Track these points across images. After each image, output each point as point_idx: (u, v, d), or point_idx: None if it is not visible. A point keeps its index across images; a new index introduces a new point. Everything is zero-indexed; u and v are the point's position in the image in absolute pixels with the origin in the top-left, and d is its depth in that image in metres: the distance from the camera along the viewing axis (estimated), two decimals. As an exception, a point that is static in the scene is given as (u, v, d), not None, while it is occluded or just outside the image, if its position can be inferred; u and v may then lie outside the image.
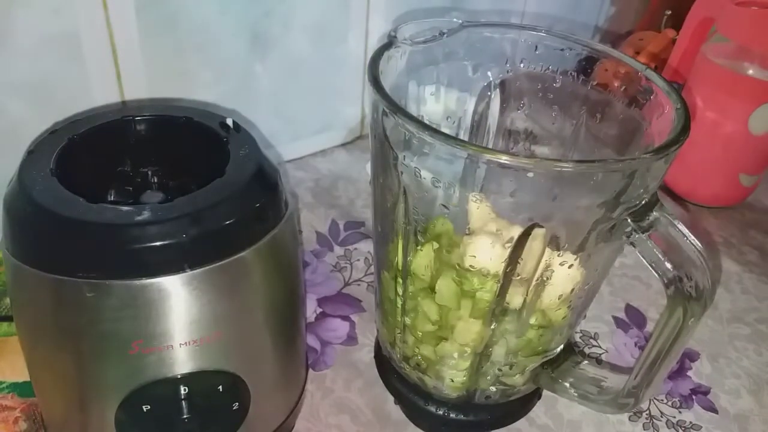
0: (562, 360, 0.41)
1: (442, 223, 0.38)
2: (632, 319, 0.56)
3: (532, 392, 0.44)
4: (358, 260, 0.59)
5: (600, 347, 0.54)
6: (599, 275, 0.39)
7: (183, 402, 0.35)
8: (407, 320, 0.40)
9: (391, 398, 0.46)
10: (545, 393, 0.46)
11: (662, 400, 0.50)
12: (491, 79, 0.43)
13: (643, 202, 0.33)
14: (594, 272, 0.38)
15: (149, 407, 0.34)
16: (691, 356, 0.53)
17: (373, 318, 0.53)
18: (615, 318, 0.56)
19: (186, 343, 0.33)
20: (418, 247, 0.38)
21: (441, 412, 0.43)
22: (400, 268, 0.38)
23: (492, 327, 0.37)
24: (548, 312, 0.38)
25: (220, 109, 0.41)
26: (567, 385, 0.41)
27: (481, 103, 0.44)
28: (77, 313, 0.32)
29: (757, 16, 0.62)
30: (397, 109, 0.32)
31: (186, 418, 0.35)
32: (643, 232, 0.33)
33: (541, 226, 0.33)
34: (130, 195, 0.40)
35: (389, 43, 0.38)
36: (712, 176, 0.69)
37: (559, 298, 0.37)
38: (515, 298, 0.36)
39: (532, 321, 0.38)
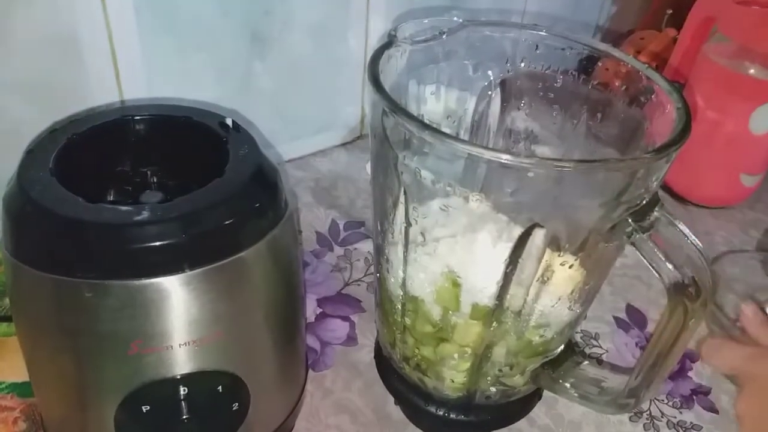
0: (562, 360, 0.41)
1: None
2: (633, 319, 0.56)
3: (532, 393, 0.44)
4: (358, 260, 0.59)
5: (601, 347, 0.53)
6: (600, 275, 0.39)
7: (182, 402, 0.35)
8: (407, 321, 0.40)
9: (391, 399, 0.46)
10: (545, 393, 0.46)
11: (663, 401, 0.50)
12: (492, 78, 0.43)
13: (644, 202, 0.33)
14: (594, 272, 0.37)
15: (149, 408, 0.34)
16: (691, 356, 0.53)
17: (373, 318, 0.53)
18: (616, 318, 0.56)
19: (185, 343, 0.33)
20: (418, 247, 0.38)
21: (441, 413, 0.43)
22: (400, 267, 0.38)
23: (492, 328, 0.37)
24: (548, 312, 0.38)
25: (219, 108, 0.41)
26: (567, 385, 0.41)
27: (481, 102, 0.44)
28: (76, 313, 0.32)
29: (758, 16, 0.62)
30: (398, 108, 0.32)
31: (185, 418, 0.35)
32: (643, 232, 0.33)
33: (542, 226, 0.33)
34: (129, 195, 0.40)
35: (389, 43, 0.38)
36: (713, 176, 0.68)
37: (559, 299, 0.37)
38: (515, 299, 0.36)
39: (532, 322, 0.38)
